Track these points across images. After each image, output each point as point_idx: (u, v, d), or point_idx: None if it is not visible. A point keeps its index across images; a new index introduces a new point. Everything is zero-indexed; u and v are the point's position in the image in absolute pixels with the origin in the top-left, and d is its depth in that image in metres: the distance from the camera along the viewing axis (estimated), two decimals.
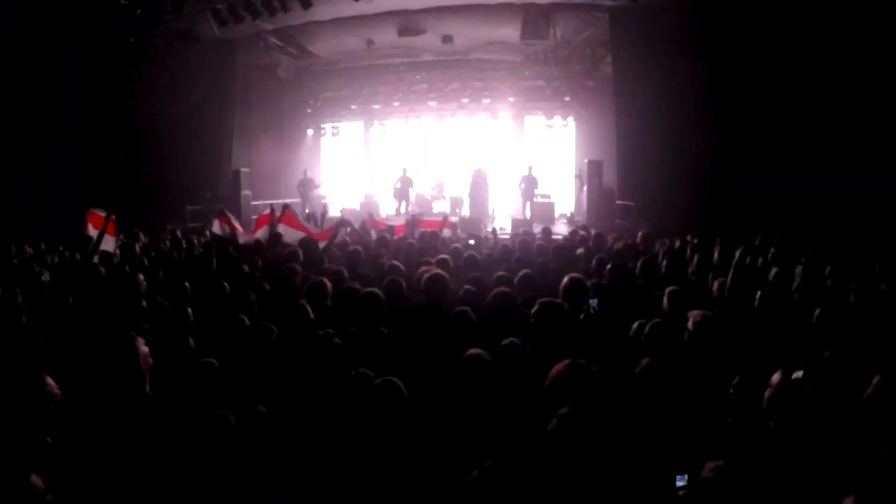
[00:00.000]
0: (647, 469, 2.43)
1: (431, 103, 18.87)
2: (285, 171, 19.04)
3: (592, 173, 14.36)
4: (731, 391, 3.02)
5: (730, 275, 4.73)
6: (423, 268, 5.47)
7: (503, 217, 16.36)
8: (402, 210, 17.23)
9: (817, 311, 4.00)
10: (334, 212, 14.69)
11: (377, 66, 17.81)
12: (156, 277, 5.91)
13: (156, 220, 12.21)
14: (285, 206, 9.10)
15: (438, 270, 4.96)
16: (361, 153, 20.69)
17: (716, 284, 4.95)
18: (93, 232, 7.37)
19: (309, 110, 19.91)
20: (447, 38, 15.72)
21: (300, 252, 6.73)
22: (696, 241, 7.11)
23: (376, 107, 19.38)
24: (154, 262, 7.00)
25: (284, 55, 16.36)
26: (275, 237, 7.99)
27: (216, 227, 8.83)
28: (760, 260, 6.04)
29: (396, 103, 19.19)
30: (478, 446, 2.57)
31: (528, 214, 15.85)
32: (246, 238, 8.52)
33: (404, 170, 17.91)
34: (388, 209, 18.37)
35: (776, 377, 2.73)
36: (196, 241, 8.69)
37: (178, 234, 9.71)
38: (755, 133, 10.14)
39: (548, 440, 2.48)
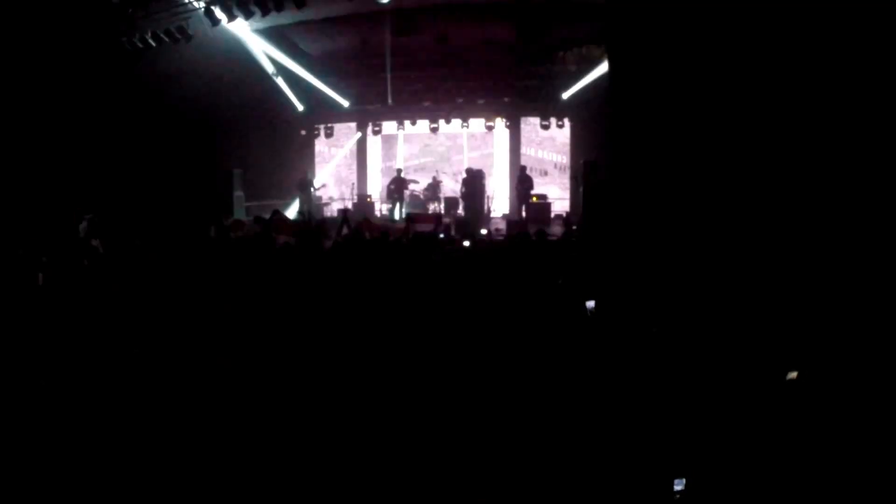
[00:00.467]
0: None
1: (426, 103, 18.77)
2: (279, 172, 18.87)
3: (589, 173, 14.28)
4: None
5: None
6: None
7: (498, 218, 16.29)
8: (397, 211, 17.11)
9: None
10: (333, 212, 14.62)
11: (371, 66, 17.67)
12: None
13: (154, 219, 12.05)
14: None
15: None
16: (354, 154, 20.56)
17: None
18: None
19: (302, 110, 19.74)
20: (442, 38, 15.64)
21: None
22: None
23: (370, 107, 19.24)
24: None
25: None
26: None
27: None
28: None
29: (390, 103, 19.06)
30: None
31: (523, 215, 15.79)
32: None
33: (398, 170, 17.80)
34: (383, 210, 18.28)
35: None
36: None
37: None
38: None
39: None
